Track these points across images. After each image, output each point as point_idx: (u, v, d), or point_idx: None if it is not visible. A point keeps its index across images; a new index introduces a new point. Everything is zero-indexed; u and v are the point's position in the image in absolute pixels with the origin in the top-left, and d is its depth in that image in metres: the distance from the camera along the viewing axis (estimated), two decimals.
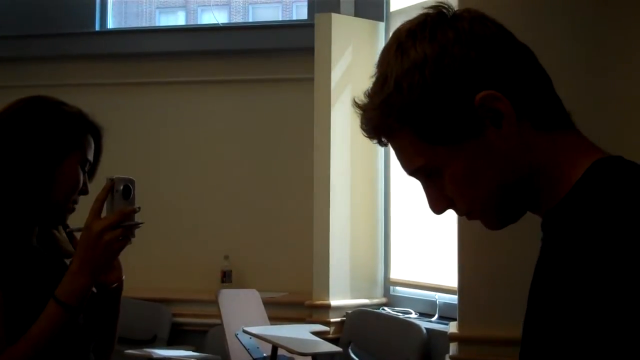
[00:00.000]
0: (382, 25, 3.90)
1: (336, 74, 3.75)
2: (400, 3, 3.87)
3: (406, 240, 3.75)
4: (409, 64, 0.93)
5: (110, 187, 1.52)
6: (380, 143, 0.99)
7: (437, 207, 0.99)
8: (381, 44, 3.87)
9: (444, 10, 0.97)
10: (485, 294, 2.73)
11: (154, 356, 3.30)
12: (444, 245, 3.32)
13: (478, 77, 0.92)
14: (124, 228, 1.50)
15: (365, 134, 0.99)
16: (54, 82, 4.14)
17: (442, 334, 3.00)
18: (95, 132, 1.66)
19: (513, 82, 0.93)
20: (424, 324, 3.29)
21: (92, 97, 4.09)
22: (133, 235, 1.53)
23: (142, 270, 4.18)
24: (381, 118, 0.95)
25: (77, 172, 1.59)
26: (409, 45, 0.94)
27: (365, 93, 0.99)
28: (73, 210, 1.60)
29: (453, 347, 2.77)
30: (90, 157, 1.63)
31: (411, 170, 0.98)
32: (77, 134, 1.60)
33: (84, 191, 1.61)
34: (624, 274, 0.81)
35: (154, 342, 3.91)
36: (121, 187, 1.53)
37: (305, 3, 4.42)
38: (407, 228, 3.74)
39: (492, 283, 2.71)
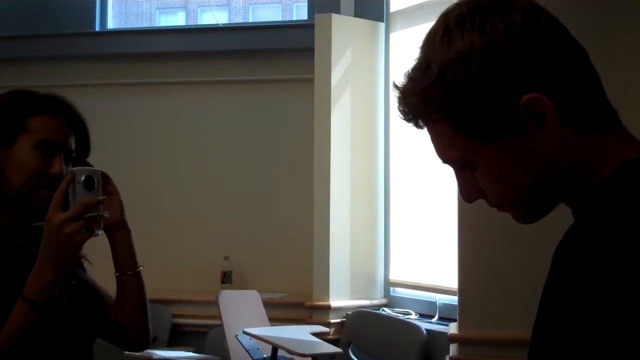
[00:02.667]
0: (382, 25, 3.90)
1: (336, 75, 3.75)
2: (401, 3, 3.87)
3: (406, 241, 3.75)
4: (455, 54, 0.89)
5: (72, 178, 1.49)
6: (417, 126, 0.97)
7: (469, 196, 0.98)
8: (381, 44, 3.87)
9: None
10: (485, 295, 2.73)
11: (154, 357, 3.29)
12: (444, 246, 3.32)
13: (525, 77, 0.88)
14: (85, 220, 1.46)
15: (401, 116, 0.97)
16: (54, 82, 4.13)
17: (442, 335, 3.00)
18: (52, 110, 1.59)
19: (561, 85, 0.90)
20: (424, 325, 3.28)
21: (92, 98, 4.09)
22: (99, 227, 1.50)
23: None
24: (420, 106, 0.93)
25: (29, 156, 1.54)
26: (457, 34, 0.90)
27: (405, 74, 0.96)
28: (46, 197, 1.54)
29: (453, 348, 2.77)
30: (55, 137, 1.57)
31: (445, 160, 0.97)
32: (15, 118, 1.55)
33: (55, 175, 1.55)
34: (631, 276, 0.80)
35: (154, 343, 3.90)
36: (82, 178, 1.49)
37: (305, 3, 4.41)
38: (407, 229, 3.74)
39: (492, 284, 2.71)
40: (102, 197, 1.50)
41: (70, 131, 1.61)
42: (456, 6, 0.93)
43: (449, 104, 0.90)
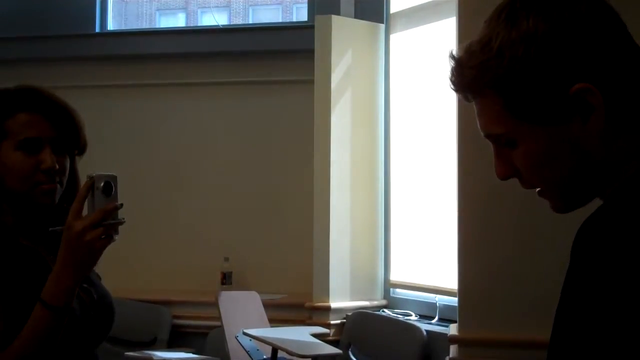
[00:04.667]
0: (382, 27, 3.90)
1: (336, 76, 3.75)
2: (401, 5, 3.87)
3: (406, 242, 3.74)
4: (517, 34, 0.91)
5: (91, 184, 1.47)
6: (466, 99, 0.99)
7: (503, 173, 1.00)
8: (381, 46, 3.87)
9: None
10: (485, 296, 2.73)
11: (154, 358, 3.29)
12: (444, 247, 3.32)
13: (581, 67, 0.90)
14: (105, 226, 1.46)
15: (452, 87, 0.99)
16: (54, 83, 4.08)
17: (442, 336, 2.99)
18: (25, 106, 1.58)
19: (612, 80, 0.91)
20: (424, 326, 3.28)
21: (91, 99, 4.10)
22: (116, 233, 1.49)
23: (142, 272, 4.19)
24: (474, 79, 0.95)
25: (14, 160, 1.55)
26: (522, 16, 0.92)
27: (464, 46, 0.97)
28: (47, 192, 1.54)
29: (453, 349, 2.77)
30: (33, 133, 1.56)
31: (487, 134, 0.98)
32: None
33: (46, 169, 1.55)
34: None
35: (154, 344, 3.91)
36: (102, 184, 1.48)
37: (306, 5, 4.41)
38: (407, 230, 3.74)
39: (492, 285, 2.71)
40: (119, 203, 1.50)
41: (50, 122, 1.59)
42: None
43: (503, 80, 0.92)
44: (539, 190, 1.00)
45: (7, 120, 1.57)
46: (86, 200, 1.48)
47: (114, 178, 1.50)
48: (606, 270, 0.84)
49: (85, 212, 1.48)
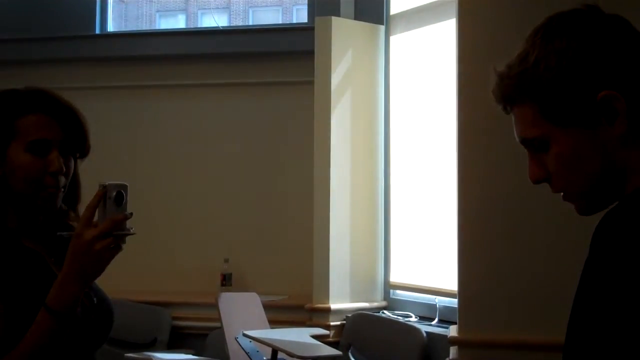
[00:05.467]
0: (382, 28, 3.90)
1: (336, 77, 3.76)
2: (400, 6, 3.87)
3: (406, 244, 3.75)
4: (552, 49, 1.05)
5: (103, 193, 1.46)
6: (505, 110, 1.11)
7: (536, 177, 1.10)
8: (381, 47, 3.87)
9: (593, 11, 1.08)
10: (485, 298, 2.73)
11: (154, 359, 3.29)
12: (443, 248, 3.32)
13: (607, 77, 1.03)
14: (115, 236, 1.45)
15: (494, 98, 1.11)
16: (54, 85, 4.07)
17: (442, 337, 2.99)
18: (37, 107, 1.58)
19: (634, 89, 1.03)
20: (424, 328, 3.29)
21: (92, 100, 4.09)
22: (124, 242, 1.48)
23: (142, 274, 4.19)
24: (513, 88, 1.07)
25: (23, 161, 1.54)
26: (556, 35, 1.05)
27: (506, 63, 1.09)
28: (51, 196, 1.54)
29: (453, 351, 2.77)
30: (43, 135, 1.56)
31: (522, 139, 1.10)
32: (5, 124, 1.55)
33: (54, 172, 1.54)
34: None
35: (154, 346, 3.91)
36: (114, 194, 1.47)
37: (306, 6, 4.42)
38: (407, 231, 3.74)
39: (492, 286, 2.71)
40: (129, 213, 1.49)
41: (59, 124, 1.59)
42: (559, 13, 1.09)
43: (538, 88, 1.05)
44: (564, 195, 1.10)
45: (17, 120, 1.56)
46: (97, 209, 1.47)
47: (126, 188, 1.49)
48: (625, 264, 0.92)
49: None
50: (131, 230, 1.48)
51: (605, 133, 1.04)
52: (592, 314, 0.93)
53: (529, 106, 1.07)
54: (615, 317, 0.90)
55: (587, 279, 0.97)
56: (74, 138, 1.61)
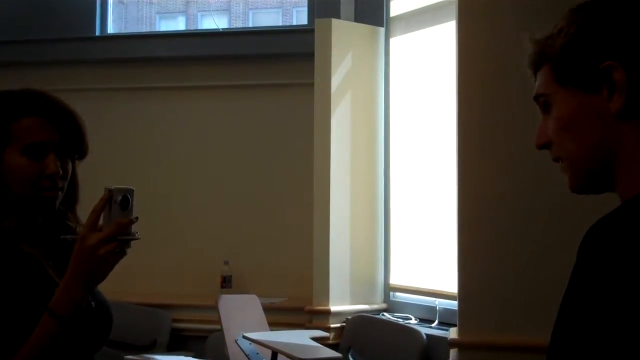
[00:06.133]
0: (382, 30, 3.90)
1: (336, 79, 3.76)
2: (400, 8, 3.87)
3: (406, 246, 3.75)
4: (573, 20, 1.12)
5: (109, 197, 1.45)
6: (534, 76, 1.18)
7: (539, 140, 1.15)
8: (381, 49, 3.87)
9: None
10: (485, 300, 2.73)
11: None
12: (443, 250, 3.32)
13: (612, 49, 1.07)
14: (120, 241, 1.44)
15: (527, 64, 1.19)
16: (54, 87, 4.08)
17: (442, 339, 2.99)
18: (32, 110, 1.57)
19: (636, 65, 1.06)
20: (424, 330, 3.28)
21: (92, 102, 4.10)
22: (129, 246, 1.47)
23: (142, 276, 4.19)
24: (538, 50, 1.15)
25: (19, 165, 1.53)
26: (579, 14, 1.12)
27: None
28: (49, 199, 1.54)
29: (453, 353, 2.77)
30: (39, 138, 1.55)
31: (535, 95, 1.16)
32: (1, 127, 1.54)
33: (50, 175, 1.54)
34: None
35: (153, 348, 3.90)
36: (120, 198, 1.46)
37: (306, 8, 4.42)
38: (407, 234, 3.74)
39: (492, 289, 2.71)
40: (134, 217, 1.48)
41: (55, 126, 1.58)
42: None
43: (555, 49, 1.12)
44: (561, 166, 1.14)
45: (13, 123, 1.55)
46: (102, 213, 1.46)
47: (132, 192, 1.48)
48: (611, 273, 0.90)
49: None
50: (136, 235, 1.47)
51: (603, 105, 1.07)
52: (575, 321, 0.93)
53: (546, 67, 1.14)
54: (599, 325, 0.90)
55: (573, 287, 0.96)
56: (71, 140, 1.60)
